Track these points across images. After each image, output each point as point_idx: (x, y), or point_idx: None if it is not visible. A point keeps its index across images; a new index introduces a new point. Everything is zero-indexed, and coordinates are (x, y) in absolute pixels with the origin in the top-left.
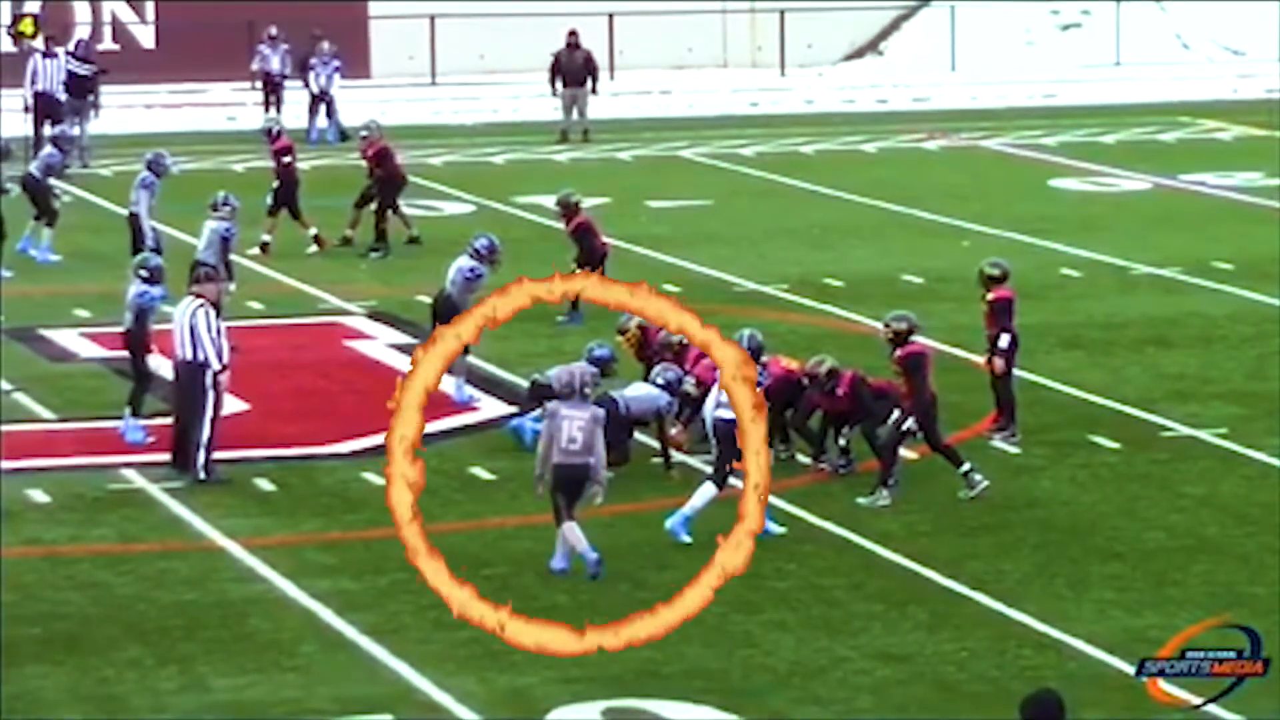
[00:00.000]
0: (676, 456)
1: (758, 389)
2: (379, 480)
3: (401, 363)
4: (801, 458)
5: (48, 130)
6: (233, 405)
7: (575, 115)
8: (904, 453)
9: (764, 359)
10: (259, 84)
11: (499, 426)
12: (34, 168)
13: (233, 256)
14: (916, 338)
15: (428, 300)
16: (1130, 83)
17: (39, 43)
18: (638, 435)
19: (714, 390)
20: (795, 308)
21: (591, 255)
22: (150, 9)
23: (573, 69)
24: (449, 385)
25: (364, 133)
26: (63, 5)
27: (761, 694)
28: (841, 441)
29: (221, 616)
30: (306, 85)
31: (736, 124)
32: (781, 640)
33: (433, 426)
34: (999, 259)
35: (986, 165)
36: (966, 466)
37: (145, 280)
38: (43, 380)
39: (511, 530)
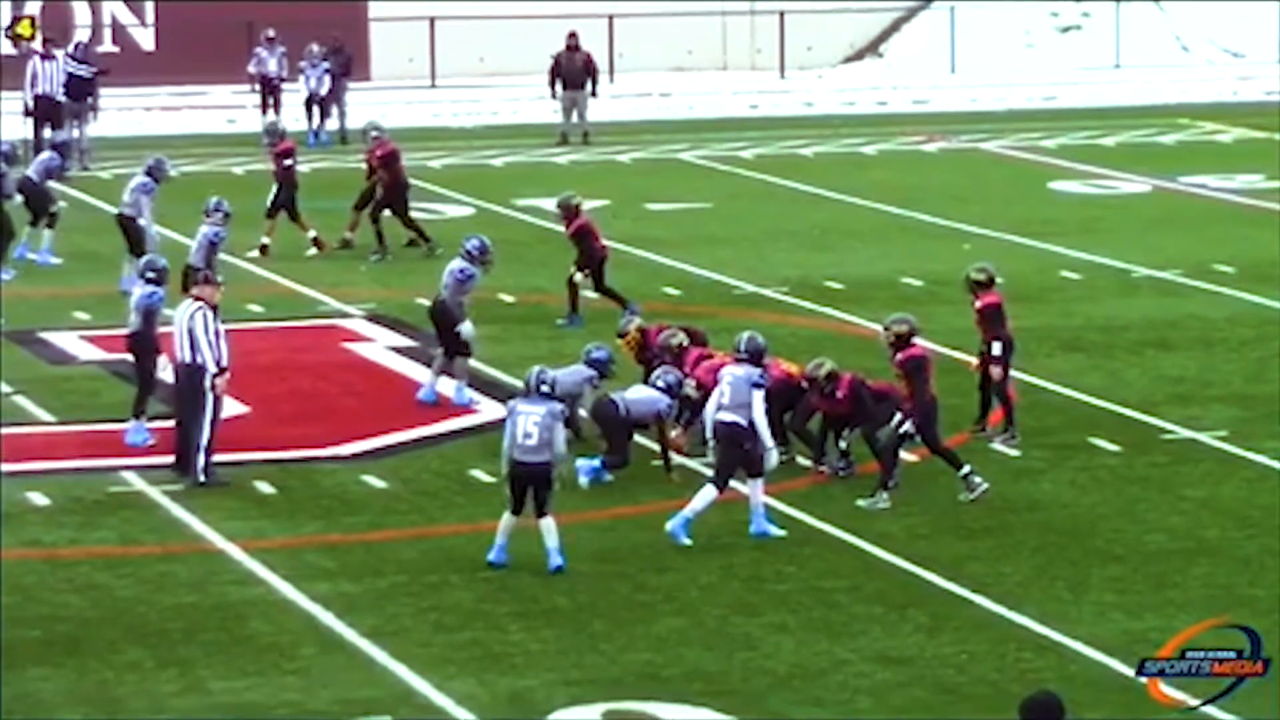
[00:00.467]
0: (676, 459)
1: (759, 390)
2: (379, 483)
3: (400, 365)
4: (801, 460)
5: (47, 134)
6: (232, 408)
7: (575, 118)
8: (904, 455)
9: (764, 361)
10: (256, 86)
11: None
12: (32, 171)
13: (231, 259)
14: (917, 340)
15: (427, 303)
16: (1130, 85)
17: (38, 44)
18: (638, 438)
19: (715, 393)
20: (795, 310)
21: (591, 258)
22: (150, 11)
23: (572, 71)
24: (449, 388)
25: (374, 133)
26: (62, 7)
27: (761, 696)
28: (841, 444)
29: (221, 619)
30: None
31: (736, 126)
32: (781, 643)
33: (433, 429)
34: (984, 263)
35: (986, 167)
36: (966, 469)
37: (151, 281)
38: (43, 383)
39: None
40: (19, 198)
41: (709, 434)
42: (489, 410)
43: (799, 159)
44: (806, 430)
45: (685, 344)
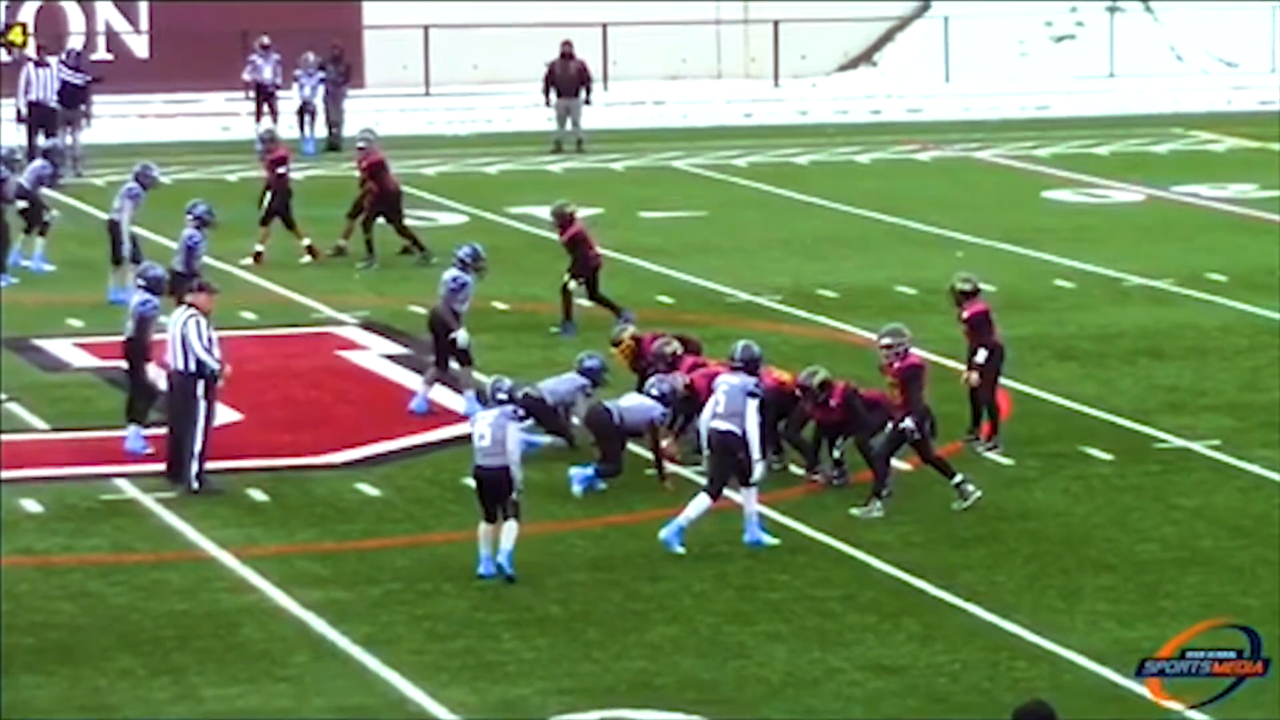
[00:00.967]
0: (670, 467)
1: (753, 399)
2: (372, 490)
3: (394, 373)
4: (795, 469)
5: (41, 140)
6: (225, 415)
7: (569, 126)
8: (897, 464)
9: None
10: (251, 94)
11: None
12: (24, 178)
13: (225, 266)
14: (912, 350)
15: (421, 310)
16: (1124, 94)
17: (31, 51)
18: (631, 446)
19: (710, 402)
20: (788, 318)
21: (585, 265)
22: (144, 18)
23: (566, 79)
24: (442, 398)
25: (360, 143)
26: (56, 14)
27: (754, 705)
28: (835, 453)
29: (214, 627)
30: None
31: (730, 134)
32: (775, 651)
33: (426, 437)
34: (967, 273)
35: (979, 176)
36: (959, 478)
37: (144, 289)
38: (36, 390)
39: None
40: (20, 203)
41: (703, 442)
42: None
43: (793, 167)
44: (800, 439)
45: (679, 352)
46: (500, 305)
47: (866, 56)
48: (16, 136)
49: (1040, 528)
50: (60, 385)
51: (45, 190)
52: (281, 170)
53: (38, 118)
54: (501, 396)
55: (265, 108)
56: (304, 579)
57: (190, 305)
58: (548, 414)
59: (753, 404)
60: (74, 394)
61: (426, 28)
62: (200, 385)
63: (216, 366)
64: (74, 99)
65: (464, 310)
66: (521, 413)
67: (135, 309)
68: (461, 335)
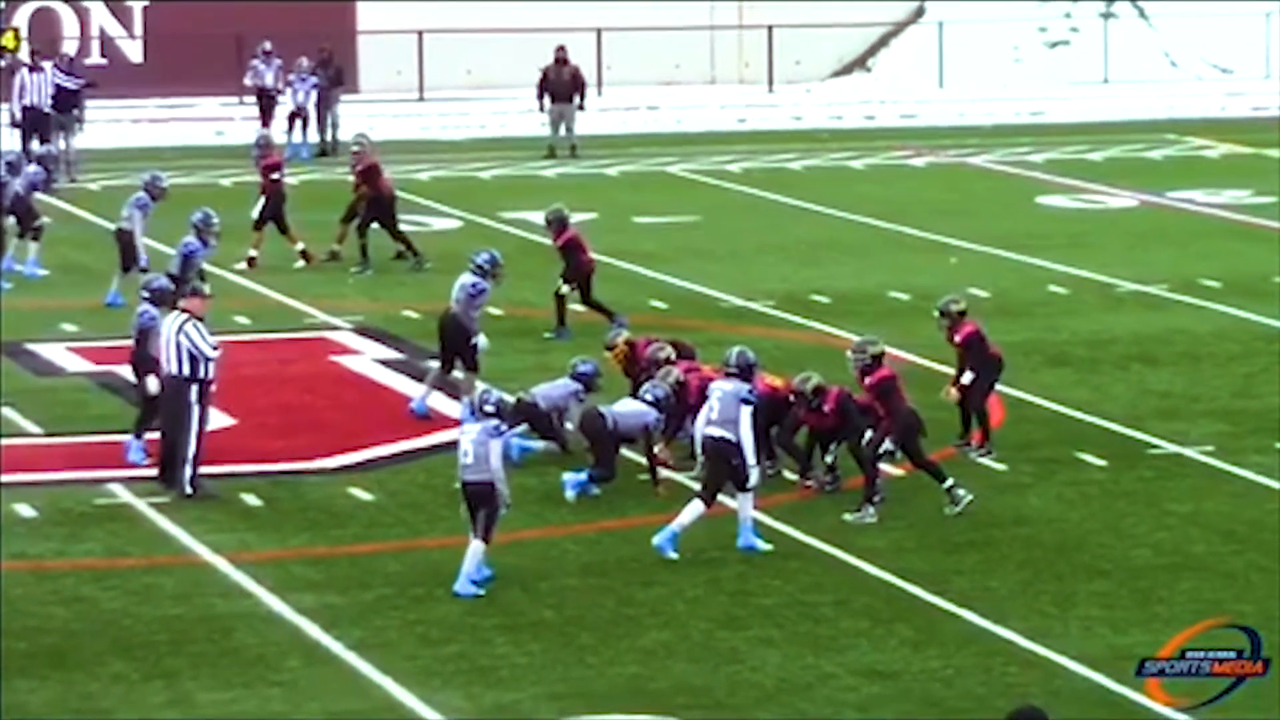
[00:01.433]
0: (663, 473)
1: (748, 405)
2: (365, 495)
3: (388, 378)
4: (788, 474)
5: (35, 146)
6: (219, 420)
7: (563, 131)
8: (891, 470)
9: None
10: (254, 99)
11: None
12: (18, 184)
13: (219, 271)
14: (882, 361)
15: (415, 315)
16: (1118, 100)
17: (24, 56)
18: (624, 451)
19: (704, 408)
20: (781, 323)
21: (579, 270)
22: (138, 23)
23: (560, 85)
24: (451, 406)
25: (354, 148)
26: (50, 18)
27: (747, 710)
28: (828, 458)
29: (207, 631)
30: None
31: (724, 140)
32: (768, 657)
33: (420, 442)
34: (955, 294)
35: (973, 182)
36: (950, 482)
37: (148, 300)
38: (30, 395)
39: (498, 546)
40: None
41: (698, 448)
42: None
43: (787, 173)
44: (793, 444)
45: (673, 357)
46: (494, 310)
47: (861, 62)
48: (10, 141)
49: (1033, 533)
50: (54, 390)
51: (39, 195)
52: (275, 176)
53: (32, 122)
54: (489, 409)
55: (269, 113)
56: (297, 584)
57: (184, 310)
58: (541, 419)
59: (747, 410)
60: (68, 399)
61: (420, 32)
62: (194, 390)
63: (213, 354)
64: (67, 103)
65: (476, 316)
66: (504, 427)
67: (135, 320)
68: (482, 340)
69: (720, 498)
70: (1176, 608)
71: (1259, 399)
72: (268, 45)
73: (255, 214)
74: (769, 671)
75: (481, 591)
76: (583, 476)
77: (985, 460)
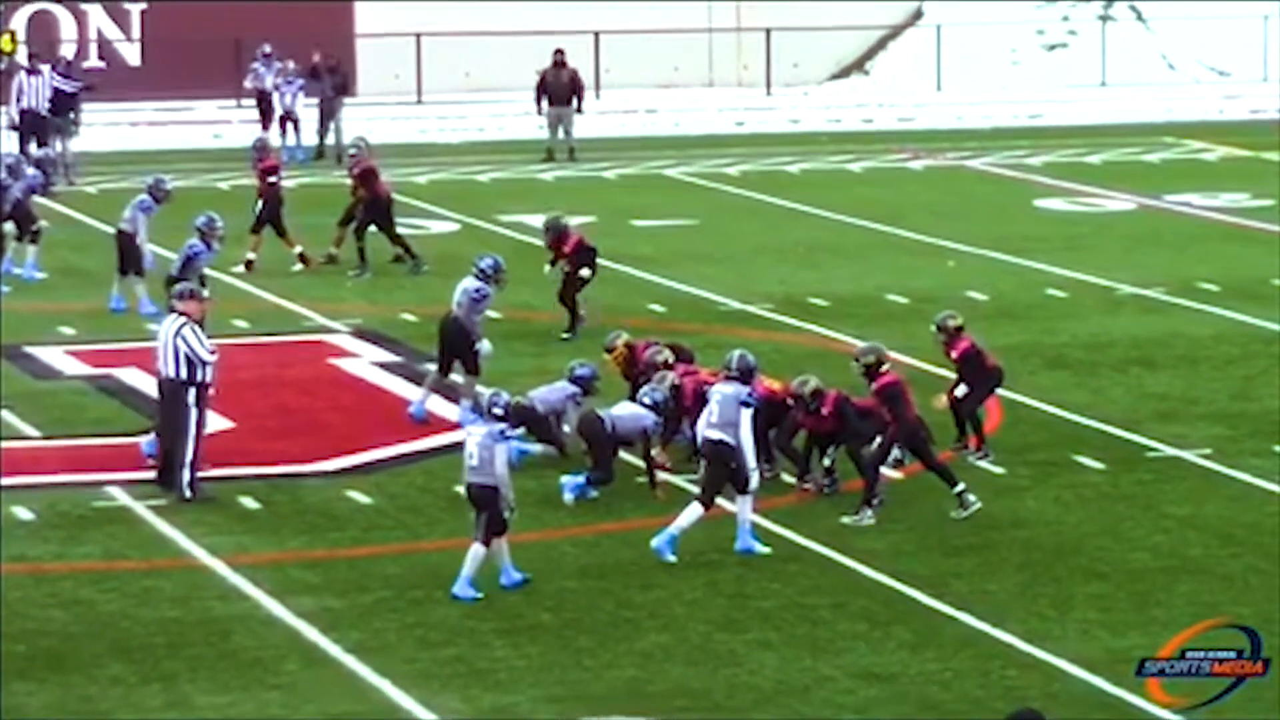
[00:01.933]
0: (661, 475)
1: (748, 408)
2: (363, 498)
3: (386, 381)
4: (786, 477)
5: (33, 149)
6: (217, 423)
7: (561, 134)
8: (889, 472)
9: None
10: (254, 101)
11: None
12: (17, 188)
13: (217, 274)
14: (886, 367)
15: (413, 318)
16: (1116, 103)
17: (21, 59)
18: (623, 454)
19: (705, 411)
20: (779, 327)
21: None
22: (136, 26)
23: (558, 88)
24: (449, 409)
25: (352, 151)
26: (49, 21)
27: (746, 713)
28: (826, 461)
29: (205, 634)
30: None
31: (722, 143)
32: (765, 659)
33: (418, 445)
34: (950, 310)
35: (971, 185)
36: (960, 487)
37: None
38: (28, 398)
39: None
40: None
41: (698, 451)
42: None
43: (785, 176)
44: (791, 447)
45: (671, 360)
46: (492, 314)
47: (859, 65)
48: (8, 145)
49: (1032, 536)
50: (52, 393)
51: (37, 198)
52: (273, 179)
53: (29, 125)
54: (498, 411)
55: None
56: (295, 587)
57: (181, 313)
58: (539, 423)
59: (746, 413)
60: (66, 402)
61: (419, 35)
62: (192, 393)
63: (209, 358)
64: (65, 107)
65: (479, 321)
66: (511, 432)
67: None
68: (485, 346)
69: (719, 500)
70: (1175, 610)
71: (1257, 402)
72: (267, 48)
73: (253, 217)
74: (767, 674)
75: (479, 595)
76: (581, 479)
77: (983, 463)
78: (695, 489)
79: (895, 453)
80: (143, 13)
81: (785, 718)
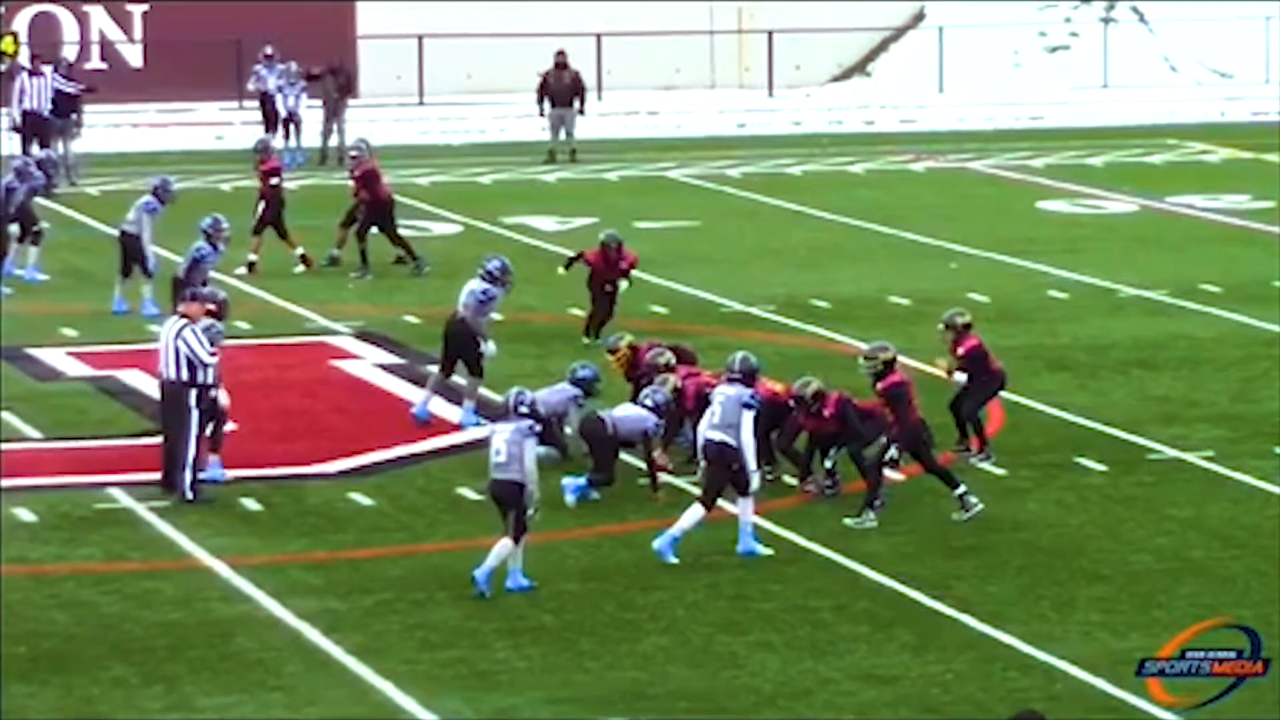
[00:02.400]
0: (663, 478)
1: (749, 410)
2: (365, 500)
3: (388, 383)
4: (788, 479)
5: (35, 151)
6: None
7: (563, 135)
8: (891, 474)
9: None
10: (256, 103)
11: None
12: (21, 190)
13: (220, 276)
14: (896, 367)
15: (415, 320)
16: (1118, 105)
17: (24, 60)
18: (624, 456)
19: (707, 412)
20: (782, 329)
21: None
22: (138, 27)
23: (560, 89)
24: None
25: (354, 153)
26: (50, 23)
27: (747, 715)
28: (827, 463)
29: (207, 636)
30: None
31: (724, 145)
32: (767, 661)
33: (419, 447)
34: (958, 308)
35: (973, 187)
36: (962, 489)
37: (210, 314)
38: (30, 399)
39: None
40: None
41: (699, 453)
42: (475, 430)
43: (787, 178)
44: (793, 449)
45: (673, 363)
46: (495, 315)
47: (860, 67)
48: (9, 146)
49: (1033, 538)
50: (54, 395)
51: (39, 200)
52: (274, 181)
53: (31, 127)
54: (524, 410)
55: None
56: (297, 588)
57: (182, 316)
58: (541, 425)
59: (748, 415)
60: (67, 403)
61: (420, 37)
62: (193, 394)
63: (209, 360)
64: (66, 108)
65: (485, 323)
66: (539, 428)
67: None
68: (490, 348)
69: (721, 502)
70: (1176, 612)
71: (1258, 404)
72: (269, 49)
73: (254, 219)
74: (768, 676)
75: (527, 584)
76: (582, 481)
77: (984, 465)
78: (696, 491)
79: (892, 452)
80: (144, 14)
81: (786, 719)
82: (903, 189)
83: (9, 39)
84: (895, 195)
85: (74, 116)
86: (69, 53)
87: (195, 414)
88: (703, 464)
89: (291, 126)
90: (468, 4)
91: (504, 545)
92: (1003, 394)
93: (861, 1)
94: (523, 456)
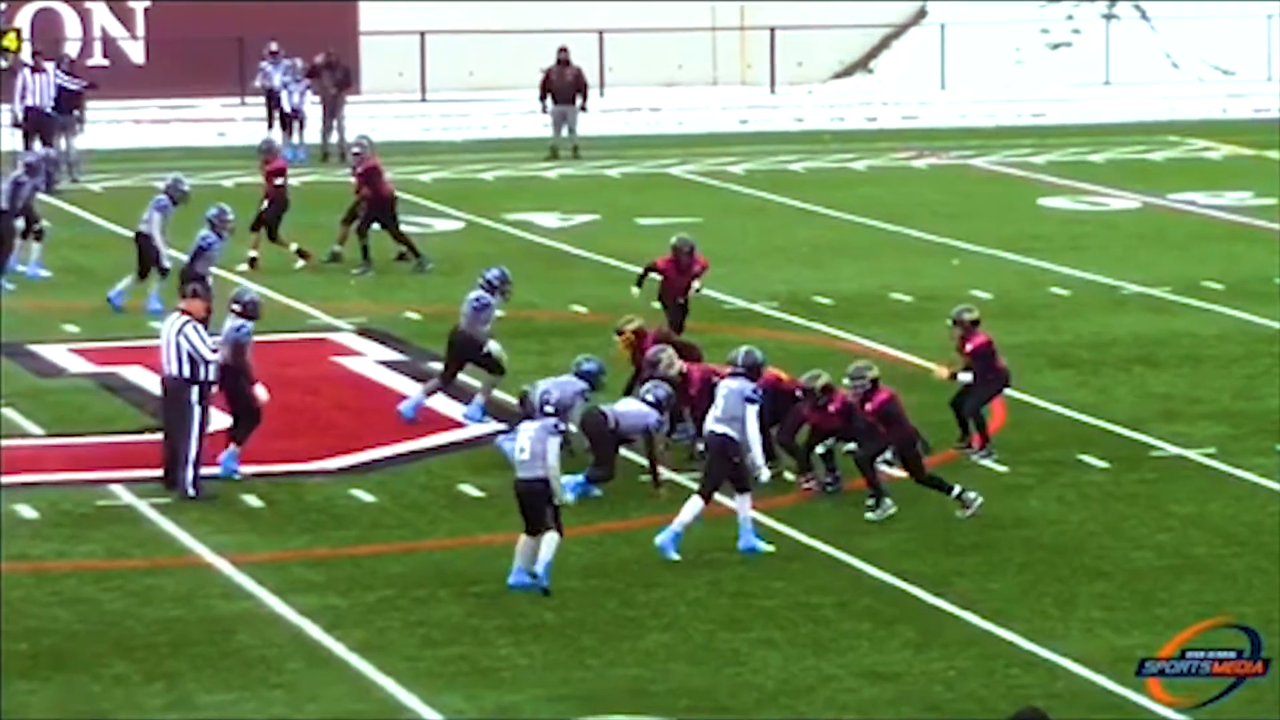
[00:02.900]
0: (664, 474)
1: (752, 404)
2: (367, 497)
3: (389, 379)
4: (788, 475)
5: (37, 147)
6: (221, 421)
7: (565, 132)
8: (891, 472)
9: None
10: (262, 99)
11: (487, 443)
12: (28, 185)
13: (221, 273)
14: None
15: (416, 317)
16: (1120, 102)
17: (26, 57)
18: (625, 453)
19: (713, 406)
20: (784, 325)
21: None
22: (140, 24)
23: (562, 86)
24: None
25: (355, 149)
26: (53, 19)
27: (749, 712)
28: (820, 449)
29: (208, 633)
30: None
31: (726, 141)
32: (769, 658)
33: (421, 443)
34: (966, 304)
35: (975, 184)
36: (957, 489)
37: (240, 314)
38: (31, 396)
39: (500, 547)
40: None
41: (700, 444)
42: (477, 426)
43: (789, 174)
44: (794, 443)
45: (674, 362)
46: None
47: (863, 64)
48: (11, 142)
49: (1035, 535)
50: (55, 391)
51: (41, 196)
52: (279, 181)
53: (33, 123)
54: (549, 409)
55: (275, 115)
56: (298, 585)
57: (184, 312)
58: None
59: (751, 409)
60: (69, 400)
61: (423, 33)
62: (195, 391)
63: (211, 356)
64: (68, 105)
65: (486, 330)
66: (564, 425)
67: (229, 334)
68: (494, 346)
69: (722, 499)
70: (1178, 609)
71: (1260, 401)
72: (274, 46)
73: (254, 216)
74: (770, 673)
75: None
76: (580, 479)
77: (986, 462)
78: (696, 485)
79: (888, 455)
80: (146, 11)
81: (788, 717)
82: (905, 186)
83: (11, 35)
84: (897, 192)
85: (76, 113)
86: (71, 49)
87: (197, 410)
88: (704, 455)
89: (295, 123)
90: (470, 1)
91: (550, 539)
92: (1005, 391)
93: None
94: (546, 453)
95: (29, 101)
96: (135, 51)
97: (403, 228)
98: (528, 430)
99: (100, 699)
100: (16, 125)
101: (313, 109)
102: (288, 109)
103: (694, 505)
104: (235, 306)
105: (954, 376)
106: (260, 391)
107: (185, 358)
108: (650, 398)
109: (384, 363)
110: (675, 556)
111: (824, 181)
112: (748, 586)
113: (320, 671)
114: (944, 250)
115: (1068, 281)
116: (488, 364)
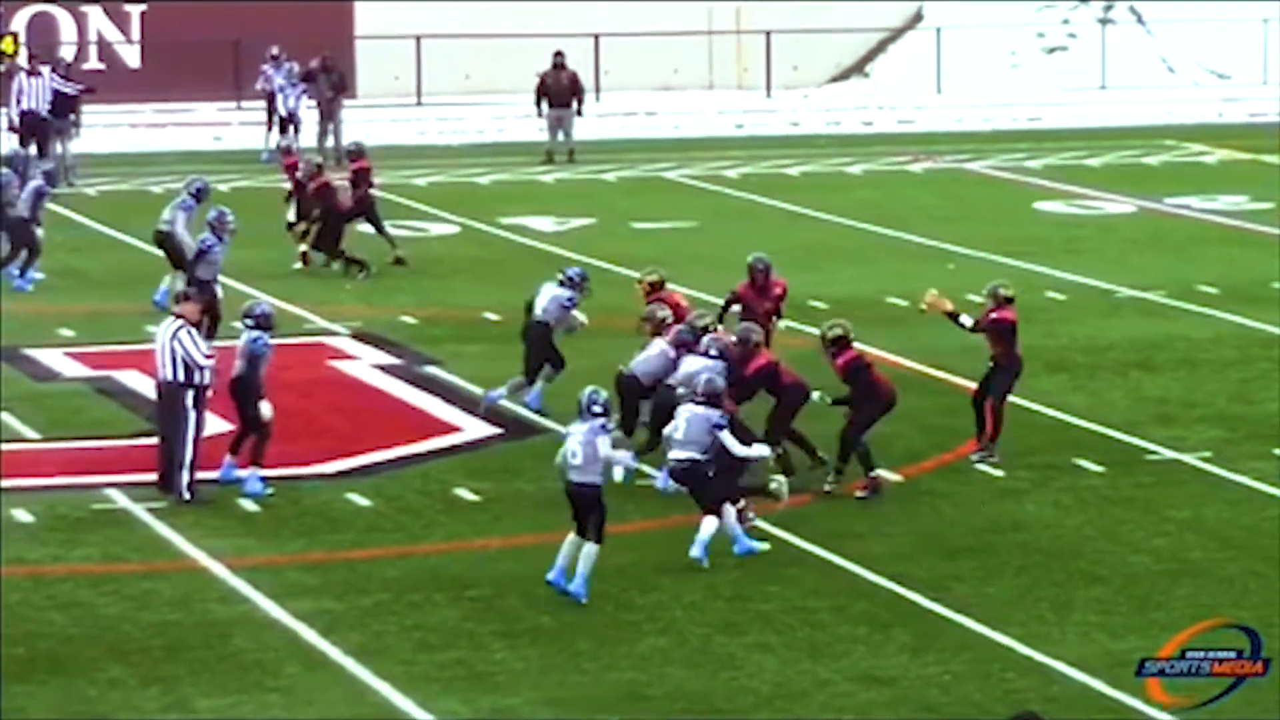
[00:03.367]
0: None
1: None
2: (362, 501)
3: (385, 383)
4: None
5: (33, 151)
6: (217, 425)
7: (561, 136)
8: (886, 474)
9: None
10: (259, 103)
11: (484, 447)
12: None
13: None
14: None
15: (412, 320)
16: (1115, 106)
17: (22, 61)
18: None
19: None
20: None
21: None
22: (136, 28)
23: (558, 90)
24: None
25: (350, 150)
26: (48, 23)
27: (745, 716)
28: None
29: (205, 637)
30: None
31: (722, 145)
32: (765, 662)
33: (416, 448)
34: (1002, 280)
35: (971, 188)
36: (827, 461)
37: (254, 327)
38: (27, 400)
39: (495, 552)
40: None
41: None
42: (472, 429)
43: (784, 178)
44: (797, 433)
45: (669, 320)
46: (491, 315)
47: (858, 68)
48: (7, 146)
49: (1031, 539)
50: (51, 395)
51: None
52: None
53: (29, 127)
54: (598, 410)
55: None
56: (294, 589)
57: (178, 316)
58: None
59: (726, 435)
60: (65, 404)
61: (419, 37)
62: (190, 395)
63: (204, 361)
64: (65, 109)
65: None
66: (611, 425)
67: (246, 346)
68: (580, 317)
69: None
70: (1174, 613)
71: (1256, 405)
72: (275, 50)
73: (290, 216)
74: (766, 677)
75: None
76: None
77: (984, 466)
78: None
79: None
80: (142, 14)
81: None
82: (900, 190)
83: (8, 39)
84: (893, 196)
85: (72, 117)
86: (67, 53)
87: (192, 414)
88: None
89: (291, 127)
90: (466, 4)
91: (589, 552)
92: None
93: (859, 2)
94: (597, 453)
95: (25, 105)
96: (131, 55)
97: (394, 231)
98: (578, 434)
99: (97, 703)
100: (13, 129)
101: (308, 114)
102: (283, 113)
103: (710, 524)
104: (248, 320)
105: (954, 317)
106: (265, 408)
107: (180, 362)
108: (713, 351)
109: (380, 366)
110: (706, 564)
111: (819, 185)
112: (744, 590)
113: (316, 675)
114: (939, 254)
115: (1063, 286)
116: (555, 358)
